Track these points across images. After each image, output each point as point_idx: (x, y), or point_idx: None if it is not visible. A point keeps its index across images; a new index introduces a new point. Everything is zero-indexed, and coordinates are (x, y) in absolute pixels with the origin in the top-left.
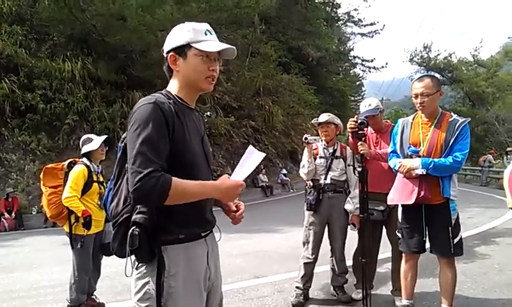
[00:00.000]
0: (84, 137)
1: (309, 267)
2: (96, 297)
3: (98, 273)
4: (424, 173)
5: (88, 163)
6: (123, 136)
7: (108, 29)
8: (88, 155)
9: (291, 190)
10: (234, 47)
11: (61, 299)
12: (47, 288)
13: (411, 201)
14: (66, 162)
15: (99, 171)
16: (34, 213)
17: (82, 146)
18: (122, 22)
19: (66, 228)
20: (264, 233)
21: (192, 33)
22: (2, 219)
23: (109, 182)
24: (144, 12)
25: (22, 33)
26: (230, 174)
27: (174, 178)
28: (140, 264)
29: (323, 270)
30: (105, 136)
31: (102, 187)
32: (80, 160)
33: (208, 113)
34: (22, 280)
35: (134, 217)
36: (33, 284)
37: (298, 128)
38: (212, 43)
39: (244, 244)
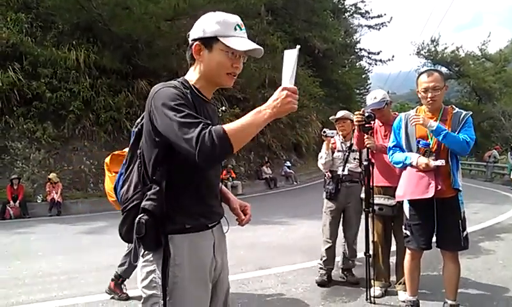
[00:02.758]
0: None
1: (330, 250)
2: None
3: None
4: (444, 164)
5: None
6: (137, 121)
7: (113, 18)
8: None
9: (295, 183)
10: (262, 48)
11: (67, 286)
12: (53, 276)
13: (430, 194)
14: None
15: None
16: (39, 201)
17: None
18: (127, 11)
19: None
20: (268, 225)
21: (222, 26)
22: (8, 207)
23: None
24: (148, 1)
25: (28, 21)
26: None
27: (224, 125)
28: (146, 252)
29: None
30: None
31: None
32: None
33: (224, 108)
34: (28, 268)
35: (143, 203)
36: (38, 272)
37: (303, 120)
38: (241, 41)
39: (248, 235)
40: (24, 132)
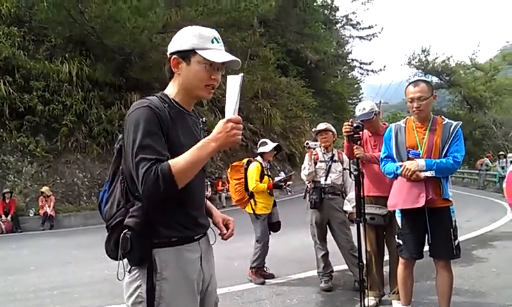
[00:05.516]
0: (262, 140)
1: (325, 257)
2: (267, 268)
3: (267, 249)
4: (434, 174)
5: (261, 160)
6: (119, 138)
7: (106, 31)
8: (261, 154)
9: (289, 193)
10: (239, 60)
11: (60, 301)
12: (45, 290)
13: (420, 204)
14: (245, 160)
15: (268, 166)
16: (31, 215)
17: (259, 147)
18: (119, 24)
19: (248, 210)
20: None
21: (199, 39)
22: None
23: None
24: (135, 14)
25: (20, 35)
26: None
27: (171, 160)
28: (133, 267)
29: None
30: (276, 143)
31: (271, 179)
32: (255, 158)
33: (204, 119)
34: (20, 283)
35: (126, 220)
36: (31, 286)
37: (296, 130)
38: (218, 53)
39: (242, 246)
40: (17, 146)
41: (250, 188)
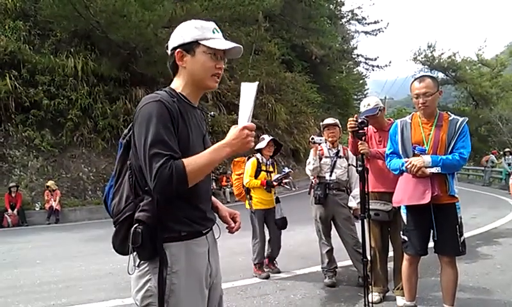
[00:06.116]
0: (261, 137)
1: (330, 253)
2: (276, 263)
3: (277, 243)
4: (439, 171)
5: (258, 156)
6: (124, 132)
7: (111, 26)
8: (259, 150)
9: (293, 189)
10: (241, 46)
11: (65, 294)
12: (51, 284)
13: (426, 200)
14: (247, 157)
15: (269, 163)
16: (37, 209)
17: (259, 143)
18: (124, 19)
19: (247, 205)
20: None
21: (201, 30)
22: (6, 215)
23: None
24: (143, 8)
25: (26, 29)
26: None
27: (185, 159)
28: (142, 262)
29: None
30: (270, 138)
31: (270, 176)
32: (255, 154)
33: (213, 113)
34: (26, 276)
35: (136, 214)
36: (37, 280)
37: (301, 126)
38: (221, 41)
39: (246, 241)
40: (22, 140)
41: (244, 184)
